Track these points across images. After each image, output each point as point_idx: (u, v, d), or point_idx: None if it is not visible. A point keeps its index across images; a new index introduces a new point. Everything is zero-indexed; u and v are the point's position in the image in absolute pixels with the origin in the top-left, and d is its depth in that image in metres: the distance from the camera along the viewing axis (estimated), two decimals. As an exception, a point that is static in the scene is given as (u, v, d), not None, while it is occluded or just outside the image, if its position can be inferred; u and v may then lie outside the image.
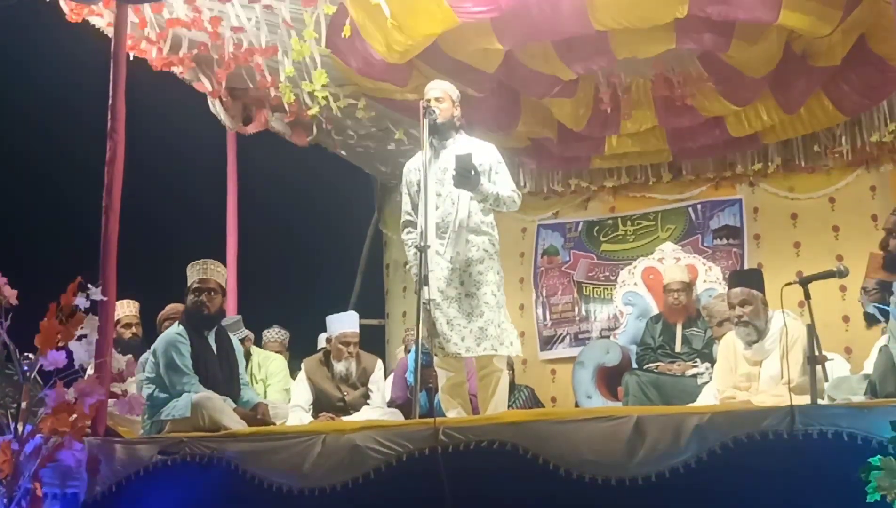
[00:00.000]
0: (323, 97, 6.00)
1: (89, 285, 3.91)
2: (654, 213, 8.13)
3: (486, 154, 4.87)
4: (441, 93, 4.87)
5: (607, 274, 7.97)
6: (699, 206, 7.99)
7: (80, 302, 3.90)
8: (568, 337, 8.12)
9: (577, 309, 8.16)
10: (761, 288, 4.87)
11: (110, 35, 5.09)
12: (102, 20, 5.42)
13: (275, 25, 5.62)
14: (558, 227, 8.44)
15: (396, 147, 7.34)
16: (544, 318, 8.26)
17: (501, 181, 4.85)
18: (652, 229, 8.08)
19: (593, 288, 8.14)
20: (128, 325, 6.10)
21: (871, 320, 5.00)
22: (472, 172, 4.58)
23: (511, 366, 6.20)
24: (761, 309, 4.79)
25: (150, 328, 6.07)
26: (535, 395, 6.84)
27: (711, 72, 6.47)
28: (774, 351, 4.72)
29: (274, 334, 6.76)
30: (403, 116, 6.73)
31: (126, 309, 6.09)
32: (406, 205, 4.97)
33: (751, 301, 4.78)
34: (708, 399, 5.13)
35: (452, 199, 4.80)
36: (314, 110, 6.07)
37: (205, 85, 6.07)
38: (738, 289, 4.86)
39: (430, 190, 4.70)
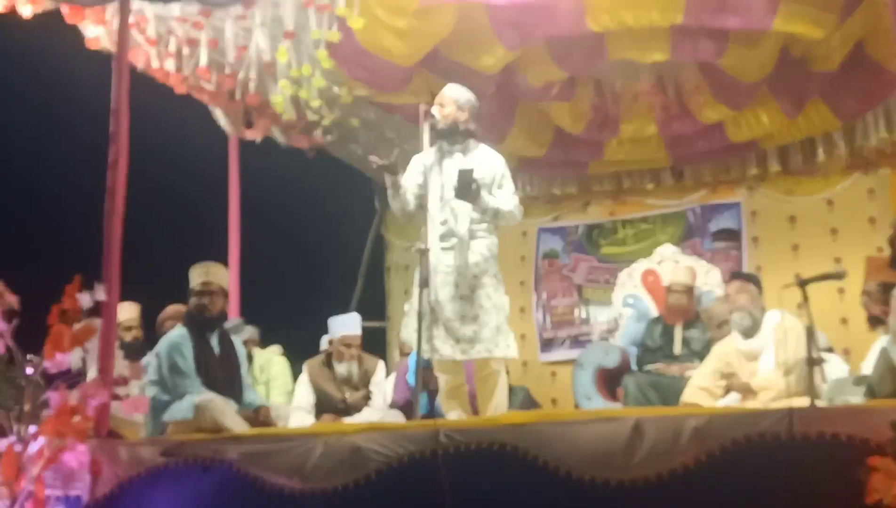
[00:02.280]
0: (318, 103, 5.99)
1: (94, 283, 3.94)
2: (654, 217, 8.15)
3: (492, 165, 4.88)
4: (445, 99, 4.88)
5: (607, 277, 7.97)
6: (698, 209, 8.00)
7: (84, 301, 3.91)
8: (568, 340, 8.13)
9: (577, 311, 8.17)
10: (758, 287, 5.16)
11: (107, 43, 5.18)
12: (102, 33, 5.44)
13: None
14: (558, 231, 8.45)
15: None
16: (544, 321, 8.27)
17: (504, 194, 4.85)
18: (651, 232, 8.09)
19: (593, 290, 8.16)
20: (128, 328, 6.08)
21: (874, 322, 5.05)
22: (473, 186, 4.62)
23: (506, 368, 6.19)
24: (756, 299, 5.06)
25: (151, 330, 6.08)
26: (531, 396, 6.84)
27: (707, 76, 6.49)
28: (769, 345, 4.87)
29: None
30: (402, 120, 6.74)
31: (127, 311, 6.08)
32: (405, 176, 4.92)
33: (745, 290, 5.09)
34: (690, 391, 5.21)
35: (452, 205, 4.82)
36: (314, 115, 6.04)
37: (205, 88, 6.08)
38: (735, 282, 5.23)
39: (434, 194, 4.73)
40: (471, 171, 4.61)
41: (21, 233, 7.52)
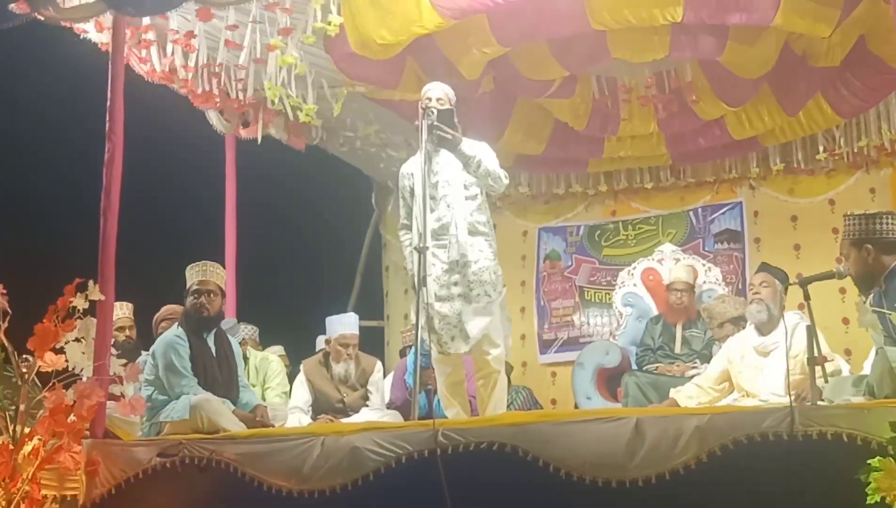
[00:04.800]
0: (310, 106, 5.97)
1: (89, 281, 3.92)
2: (656, 218, 8.14)
3: (477, 145, 4.92)
4: (442, 94, 4.90)
5: (609, 278, 7.94)
6: (700, 210, 8.00)
7: (79, 302, 3.90)
8: (569, 341, 8.10)
9: (578, 313, 8.16)
10: (783, 285, 5.02)
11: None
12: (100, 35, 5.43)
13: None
14: (559, 231, 8.44)
15: (390, 149, 7.36)
16: (546, 322, 8.25)
17: (487, 159, 4.90)
18: (653, 234, 8.08)
19: (595, 292, 8.14)
20: (122, 328, 6.03)
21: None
22: (450, 135, 4.72)
23: (508, 368, 6.19)
24: (778, 297, 4.95)
25: (144, 330, 6.04)
26: (534, 396, 6.83)
27: (708, 73, 6.47)
28: (782, 346, 4.76)
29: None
30: (400, 118, 6.73)
31: (120, 311, 6.03)
32: (402, 209, 5.01)
33: (770, 284, 4.97)
34: (688, 389, 5.15)
35: (448, 202, 4.81)
36: (305, 116, 6.01)
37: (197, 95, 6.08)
38: (762, 273, 5.10)
39: (427, 192, 4.72)
40: (451, 112, 4.76)
41: (17, 232, 7.48)
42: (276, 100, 5.85)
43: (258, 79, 5.91)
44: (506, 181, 4.94)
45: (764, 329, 4.94)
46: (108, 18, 4.94)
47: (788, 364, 4.32)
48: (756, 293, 4.96)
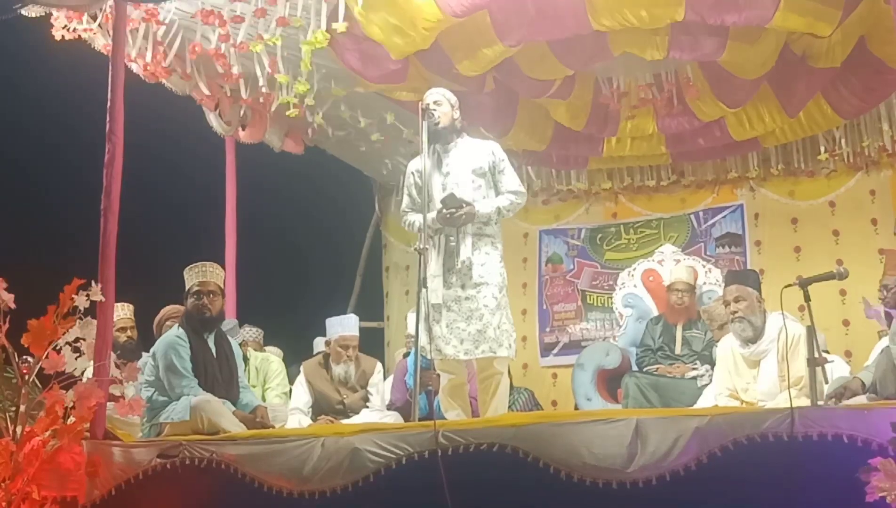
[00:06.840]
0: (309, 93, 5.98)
1: (91, 283, 3.92)
2: (657, 221, 8.14)
3: (488, 154, 4.91)
4: (440, 97, 4.90)
5: (611, 282, 7.93)
6: (700, 213, 8.00)
7: (80, 302, 3.89)
8: (570, 345, 8.10)
9: (580, 316, 8.17)
10: (756, 288, 4.87)
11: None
12: (97, 38, 5.45)
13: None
14: (560, 233, 8.45)
15: (396, 146, 7.36)
16: (548, 325, 8.26)
17: (507, 180, 4.90)
18: (655, 237, 8.08)
19: (597, 296, 8.14)
20: (123, 329, 6.03)
21: (890, 318, 4.96)
22: (463, 206, 4.68)
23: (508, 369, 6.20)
24: (756, 306, 4.79)
25: (145, 331, 6.04)
26: (535, 398, 6.83)
27: (706, 73, 6.46)
28: (771, 352, 4.71)
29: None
30: (404, 112, 6.74)
31: (121, 311, 6.03)
32: (405, 203, 5.01)
33: (745, 297, 4.79)
34: (708, 401, 5.12)
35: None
36: (295, 95, 6.01)
37: (202, 90, 6.06)
38: (732, 287, 4.89)
39: (435, 195, 4.73)
40: (452, 195, 4.69)
41: (17, 232, 7.49)
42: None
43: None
44: (522, 202, 4.95)
45: (751, 341, 4.82)
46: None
47: (788, 365, 4.31)
48: (734, 312, 4.78)
